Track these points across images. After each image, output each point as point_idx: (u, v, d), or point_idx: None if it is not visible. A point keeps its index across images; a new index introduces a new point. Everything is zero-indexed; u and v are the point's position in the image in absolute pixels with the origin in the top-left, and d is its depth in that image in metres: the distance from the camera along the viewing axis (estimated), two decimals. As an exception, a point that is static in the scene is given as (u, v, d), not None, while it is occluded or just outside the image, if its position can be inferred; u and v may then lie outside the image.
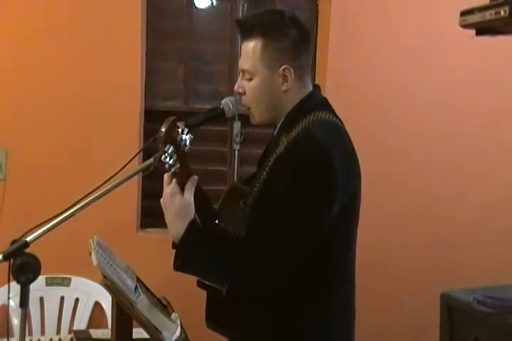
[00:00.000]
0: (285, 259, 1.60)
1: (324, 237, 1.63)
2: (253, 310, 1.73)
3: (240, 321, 1.75)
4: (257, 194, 1.68)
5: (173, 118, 1.48)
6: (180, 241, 1.58)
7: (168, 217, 1.60)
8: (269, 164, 1.68)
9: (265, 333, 1.72)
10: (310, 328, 1.69)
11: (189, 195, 1.56)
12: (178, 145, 1.47)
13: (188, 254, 1.58)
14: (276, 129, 1.78)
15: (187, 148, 1.49)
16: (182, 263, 1.59)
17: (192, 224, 1.58)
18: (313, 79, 1.83)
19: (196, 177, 1.56)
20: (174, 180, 1.54)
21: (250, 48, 1.70)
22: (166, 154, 1.44)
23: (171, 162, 1.46)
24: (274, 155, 1.68)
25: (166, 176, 1.56)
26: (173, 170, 1.48)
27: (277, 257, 1.59)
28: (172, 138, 1.46)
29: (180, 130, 1.47)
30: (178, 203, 1.55)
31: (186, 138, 1.48)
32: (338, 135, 1.70)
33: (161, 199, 1.58)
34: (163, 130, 1.46)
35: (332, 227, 1.63)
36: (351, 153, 1.70)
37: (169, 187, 1.56)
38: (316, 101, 1.76)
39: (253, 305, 1.73)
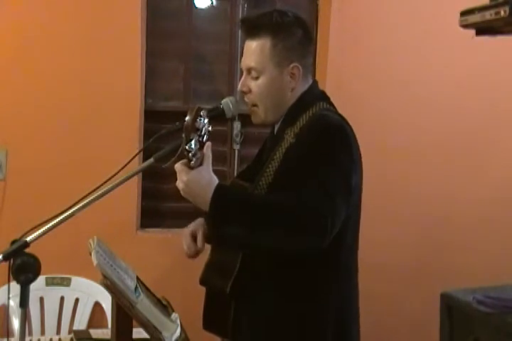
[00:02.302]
0: (337, 219, 1.55)
1: None
2: (254, 307, 1.74)
3: (240, 320, 1.75)
4: (269, 186, 1.69)
5: (197, 106, 1.46)
6: (211, 201, 1.50)
7: (198, 197, 1.52)
8: (275, 157, 1.69)
9: (265, 328, 1.72)
10: (310, 326, 1.69)
11: (208, 162, 1.51)
12: (200, 134, 1.45)
13: (224, 211, 1.52)
14: (278, 124, 1.79)
15: (206, 137, 1.47)
16: (215, 223, 1.55)
17: (220, 185, 1.53)
18: (314, 76, 1.84)
19: (209, 142, 1.51)
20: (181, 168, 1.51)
21: (258, 47, 1.70)
22: (192, 143, 1.42)
23: (194, 151, 1.44)
24: (281, 149, 1.69)
25: (179, 166, 1.51)
26: (194, 159, 1.46)
27: (332, 215, 1.53)
28: (195, 128, 1.44)
29: (202, 119, 1.45)
30: (198, 176, 1.49)
31: (207, 127, 1.46)
32: (345, 121, 1.75)
33: (182, 192, 1.52)
34: (188, 119, 1.43)
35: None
36: (357, 142, 1.73)
37: (181, 174, 1.51)
38: (315, 94, 1.79)
39: (254, 302, 1.73)
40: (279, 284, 1.70)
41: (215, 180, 1.53)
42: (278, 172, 1.68)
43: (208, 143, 1.50)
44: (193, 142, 1.42)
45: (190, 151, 1.43)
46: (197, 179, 1.49)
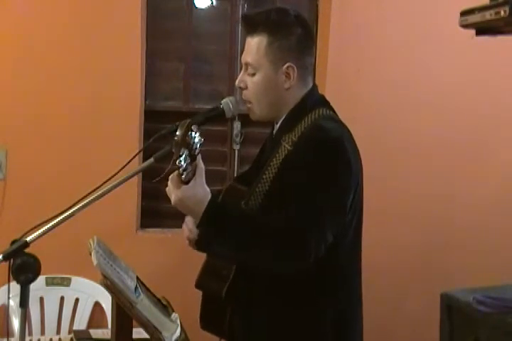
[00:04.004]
0: (323, 242, 1.57)
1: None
2: (250, 311, 1.73)
3: (236, 322, 1.75)
4: (265, 193, 1.68)
5: (188, 121, 1.46)
6: (202, 215, 1.53)
7: (190, 210, 1.55)
8: (272, 164, 1.68)
9: (261, 333, 1.72)
10: (307, 329, 1.69)
11: (201, 175, 1.51)
12: (190, 149, 1.45)
13: (214, 226, 1.55)
14: (277, 128, 1.78)
15: (197, 151, 1.48)
16: (205, 239, 1.58)
17: (212, 200, 1.54)
18: (314, 79, 1.83)
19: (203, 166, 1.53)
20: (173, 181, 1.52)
21: (255, 44, 1.70)
22: (181, 158, 1.43)
23: (184, 166, 1.45)
24: (278, 156, 1.68)
25: (175, 178, 1.52)
26: (185, 173, 1.47)
27: (320, 230, 1.56)
28: (186, 142, 1.44)
29: (193, 133, 1.45)
30: (192, 191, 1.50)
31: (198, 141, 1.47)
32: (344, 129, 1.74)
33: (173, 203, 1.54)
34: (178, 134, 1.43)
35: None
36: (356, 147, 1.73)
37: (174, 189, 1.52)
38: (315, 99, 1.78)
39: (250, 305, 1.73)
40: (275, 287, 1.69)
41: (208, 194, 1.54)
42: (274, 182, 1.68)
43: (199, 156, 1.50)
44: (182, 158, 1.43)
45: (180, 167, 1.44)
46: (190, 194, 1.51)
